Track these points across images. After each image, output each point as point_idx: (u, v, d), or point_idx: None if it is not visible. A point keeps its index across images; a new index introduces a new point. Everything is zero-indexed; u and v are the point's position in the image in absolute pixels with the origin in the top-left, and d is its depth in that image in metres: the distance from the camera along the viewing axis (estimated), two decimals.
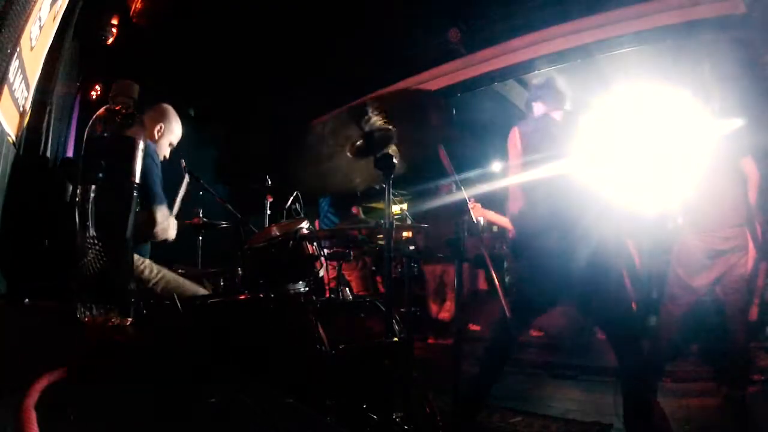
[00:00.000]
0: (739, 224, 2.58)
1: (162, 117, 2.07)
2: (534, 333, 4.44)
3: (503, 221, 2.60)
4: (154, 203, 1.76)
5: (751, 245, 2.57)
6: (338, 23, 4.18)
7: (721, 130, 2.59)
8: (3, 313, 0.85)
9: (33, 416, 0.39)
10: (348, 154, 1.48)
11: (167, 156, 2.13)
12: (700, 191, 2.65)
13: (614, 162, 2.38)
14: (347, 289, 2.87)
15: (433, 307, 5.03)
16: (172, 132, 2.11)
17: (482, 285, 5.46)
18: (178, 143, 2.20)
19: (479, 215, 2.70)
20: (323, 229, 4.03)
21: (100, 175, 0.74)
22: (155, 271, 1.78)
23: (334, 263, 3.14)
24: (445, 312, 4.85)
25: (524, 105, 2.50)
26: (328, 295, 3.02)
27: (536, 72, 4.40)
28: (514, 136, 2.31)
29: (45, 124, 1.83)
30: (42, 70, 1.58)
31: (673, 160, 2.78)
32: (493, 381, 2.17)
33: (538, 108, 2.42)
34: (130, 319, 0.75)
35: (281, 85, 4.74)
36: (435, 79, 4.99)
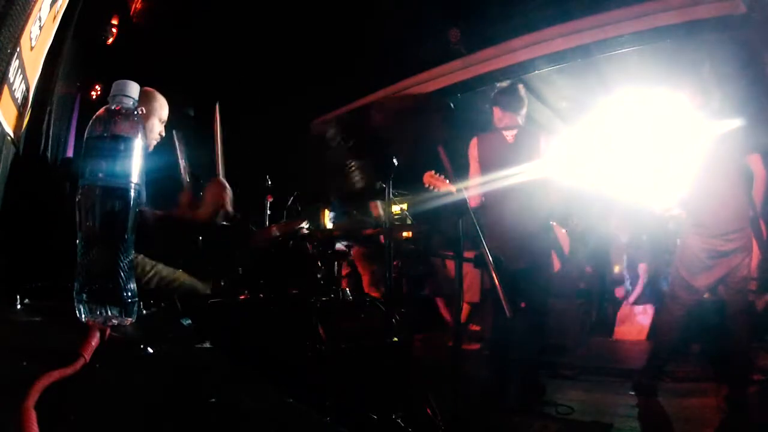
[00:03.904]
0: (742, 226, 2.57)
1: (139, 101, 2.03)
2: None
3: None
4: None
5: (755, 245, 2.57)
6: (338, 24, 4.18)
7: (721, 130, 2.59)
8: (3, 314, 0.85)
9: (33, 416, 0.39)
10: (348, 153, 1.48)
11: (162, 134, 2.09)
12: (702, 192, 2.64)
13: (616, 162, 2.44)
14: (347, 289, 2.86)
15: (441, 303, 4.94)
16: (154, 111, 2.03)
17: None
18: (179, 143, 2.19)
19: (444, 189, 2.72)
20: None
21: (100, 175, 0.74)
22: (148, 267, 1.78)
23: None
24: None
25: (487, 107, 2.86)
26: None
27: (536, 72, 4.40)
28: (474, 147, 2.72)
29: (45, 124, 1.83)
30: (42, 70, 1.57)
31: (675, 161, 2.78)
32: (505, 381, 2.38)
33: (495, 113, 2.74)
34: (130, 319, 0.75)
35: (281, 85, 4.74)
36: (435, 79, 4.99)
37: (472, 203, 2.55)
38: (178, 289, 1.78)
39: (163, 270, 1.80)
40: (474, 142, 2.73)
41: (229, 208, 1.81)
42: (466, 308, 4.44)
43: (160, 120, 2.07)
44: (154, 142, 2.04)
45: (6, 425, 0.37)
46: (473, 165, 2.72)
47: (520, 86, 2.76)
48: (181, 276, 1.84)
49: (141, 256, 1.80)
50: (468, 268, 4.35)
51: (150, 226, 1.65)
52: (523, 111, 2.73)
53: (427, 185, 2.69)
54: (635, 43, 3.96)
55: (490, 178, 2.63)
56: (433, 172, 2.70)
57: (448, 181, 2.68)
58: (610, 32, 3.98)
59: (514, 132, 2.69)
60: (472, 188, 2.66)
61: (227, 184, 1.85)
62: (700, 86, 2.79)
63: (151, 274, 1.76)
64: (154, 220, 1.69)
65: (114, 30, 3.16)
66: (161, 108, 2.08)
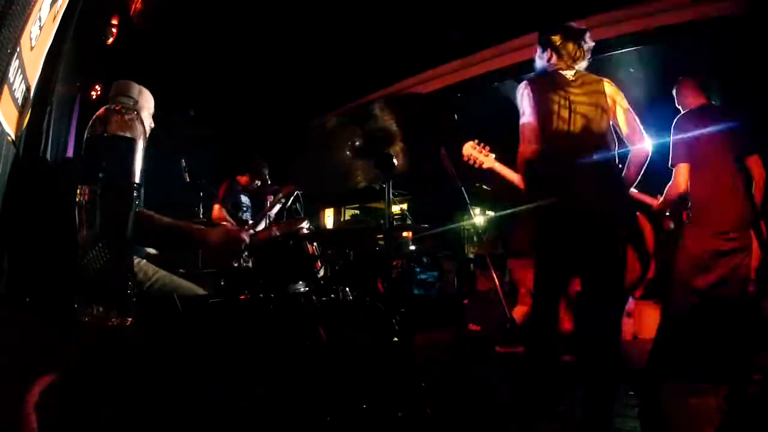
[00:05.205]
0: (743, 225, 2.57)
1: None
2: None
3: (513, 176, 2.32)
4: None
5: (755, 245, 2.57)
6: (338, 23, 4.18)
7: (721, 130, 2.59)
8: (3, 313, 0.85)
9: (33, 416, 0.39)
10: (348, 153, 1.48)
11: (152, 125, 1.91)
12: (702, 192, 2.64)
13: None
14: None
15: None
16: (143, 106, 1.82)
17: (482, 285, 5.43)
18: (179, 143, 2.17)
19: (488, 165, 2.35)
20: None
21: (101, 175, 0.74)
22: (150, 272, 1.77)
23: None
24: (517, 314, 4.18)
25: (536, 47, 2.29)
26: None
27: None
28: (527, 87, 2.14)
29: (45, 124, 1.83)
30: (42, 70, 1.58)
31: (675, 161, 2.78)
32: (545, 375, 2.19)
33: (546, 55, 2.22)
34: (130, 319, 0.75)
35: (282, 84, 4.74)
36: (435, 79, 5.00)
37: (528, 154, 2.07)
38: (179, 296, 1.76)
39: (165, 276, 1.79)
40: (526, 85, 2.15)
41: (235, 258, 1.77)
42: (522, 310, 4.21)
43: (149, 112, 1.90)
44: (146, 136, 1.97)
45: (6, 425, 0.37)
46: (527, 114, 2.10)
47: (588, 34, 2.21)
48: (183, 284, 1.82)
49: (144, 261, 1.79)
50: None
51: (154, 232, 1.64)
52: (583, 65, 2.20)
53: (466, 159, 2.37)
54: (635, 43, 3.97)
55: (554, 131, 2.07)
56: (475, 142, 2.35)
57: (494, 156, 2.30)
58: (610, 32, 3.99)
59: (573, 72, 2.17)
60: (526, 151, 2.09)
61: (247, 240, 1.78)
62: (700, 86, 2.79)
63: (153, 279, 1.76)
64: (160, 227, 1.67)
65: (114, 30, 3.16)
66: (147, 101, 1.97)
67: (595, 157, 2.01)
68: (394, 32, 4.37)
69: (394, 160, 1.40)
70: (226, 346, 1.34)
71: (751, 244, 2.58)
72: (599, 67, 2.37)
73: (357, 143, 1.45)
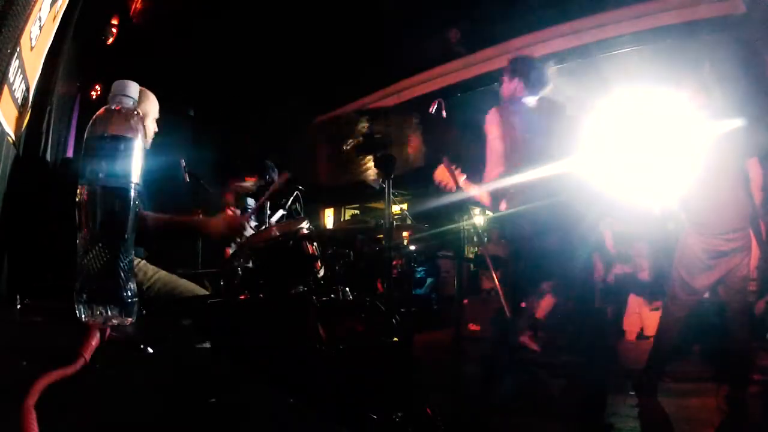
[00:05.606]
0: (742, 225, 2.57)
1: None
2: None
3: (481, 195, 2.44)
4: None
5: (755, 245, 2.57)
6: (339, 23, 4.18)
7: (722, 130, 2.59)
8: (3, 314, 0.85)
9: (33, 416, 0.39)
10: (347, 152, 1.48)
11: (156, 130, 1.99)
12: (702, 191, 2.64)
13: (616, 162, 2.40)
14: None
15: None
16: (149, 112, 1.92)
17: (485, 285, 5.44)
18: (179, 142, 2.17)
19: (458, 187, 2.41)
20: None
21: (101, 175, 0.74)
22: (150, 273, 1.77)
23: None
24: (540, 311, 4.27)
25: (503, 77, 2.51)
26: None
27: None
28: (494, 117, 2.35)
29: (45, 124, 1.83)
30: (42, 70, 1.58)
31: (675, 160, 2.78)
32: (498, 379, 2.28)
33: (511, 84, 2.43)
34: (130, 320, 0.75)
35: (282, 85, 4.74)
36: (435, 79, 5.00)
37: (493, 176, 2.29)
38: (179, 296, 1.77)
39: (164, 276, 1.80)
40: (494, 114, 2.36)
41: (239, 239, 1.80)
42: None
43: (154, 119, 2.00)
44: (150, 140, 1.99)
45: (6, 425, 0.37)
46: (494, 139, 2.33)
47: (550, 63, 2.48)
48: (182, 283, 1.83)
49: (143, 262, 1.80)
50: None
51: (152, 231, 1.65)
52: (546, 91, 2.43)
53: (438, 182, 2.45)
54: (635, 43, 3.97)
55: (519, 154, 2.26)
56: (446, 162, 2.33)
57: (465, 177, 2.38)
58: (610, 32, 3.99)
59: (536, 98, 2.40)
60: (493, 172, 2.30)
61: (248, 227, 1.82)
62: (700, 86, 2.79)
63: (153, 280, 1.76)
64: (158, 225, 1.68)
65: (114, 30, 3.16)
66: (154, 106, 1.99)
67: (552, 175, 2.20)
68: (395, 32, 4.37)
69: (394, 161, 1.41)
70: (225, 346, 1.34)
71: (751, 243, 2.58)
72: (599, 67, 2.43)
73: (356, 143, 1.46)
